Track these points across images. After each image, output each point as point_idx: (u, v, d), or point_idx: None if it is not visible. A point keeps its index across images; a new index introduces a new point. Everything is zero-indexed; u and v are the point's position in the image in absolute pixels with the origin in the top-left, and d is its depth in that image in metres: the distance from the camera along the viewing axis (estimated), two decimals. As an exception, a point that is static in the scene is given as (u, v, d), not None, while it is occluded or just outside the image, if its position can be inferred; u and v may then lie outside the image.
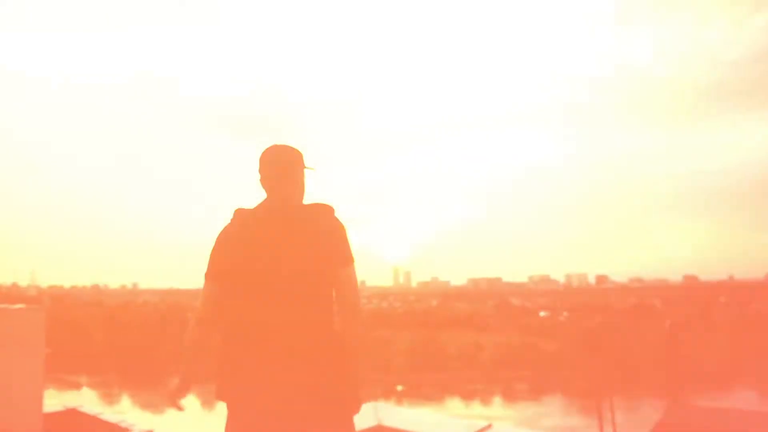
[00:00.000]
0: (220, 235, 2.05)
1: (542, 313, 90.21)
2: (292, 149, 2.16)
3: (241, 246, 1.97)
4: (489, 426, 4.69)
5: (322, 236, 1.93)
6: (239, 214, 2.07)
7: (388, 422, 4.80)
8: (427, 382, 59.64)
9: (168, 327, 71.39)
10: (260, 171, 2.11)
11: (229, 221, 2.07)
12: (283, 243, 1.92)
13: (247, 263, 1.93)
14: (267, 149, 2.14)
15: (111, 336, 67.57)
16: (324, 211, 2.03)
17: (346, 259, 1.96)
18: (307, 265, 1.88)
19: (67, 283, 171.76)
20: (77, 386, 56.66)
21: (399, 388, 57.04)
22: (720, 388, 51.24)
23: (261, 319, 1.87)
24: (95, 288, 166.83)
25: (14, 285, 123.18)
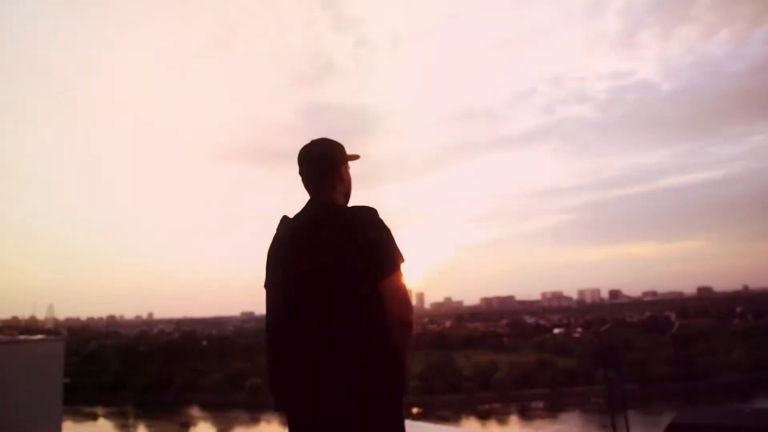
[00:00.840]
0: (270, 245, 2.00)
1: (556, 330, 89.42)
2: (327, 142, 2.08)
3: (278, 257, 1.93)
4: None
5: (355, 245, 1.80)
6: (281, 222, 2.02)
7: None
8: (443, 404, 59.23)
9: (183, 356, 71.54)
10: (299, 172, 2.06)
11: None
12: (313, 254, 1.82)
13: (281, 275, 1.89)
14: (303, 146, 2.09)
15: (127, 366, 67.69)
16: (363, 214, 1.90)
17: (385, 269, 1.82)
18: (337, 277, 1.78)
19: (83, 315, 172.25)
20: (94, 417, 56.77)
21: (415, 410, 56.69)
22: (740, 399, 50.53)
23: (291, 333, 1.80)
24: (111, 319, 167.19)
25: (32, 318, 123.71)
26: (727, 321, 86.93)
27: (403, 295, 1.85)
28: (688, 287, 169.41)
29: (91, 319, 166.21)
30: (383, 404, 1.75)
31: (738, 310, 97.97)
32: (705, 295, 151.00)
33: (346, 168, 2.08)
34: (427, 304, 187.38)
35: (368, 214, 1.91)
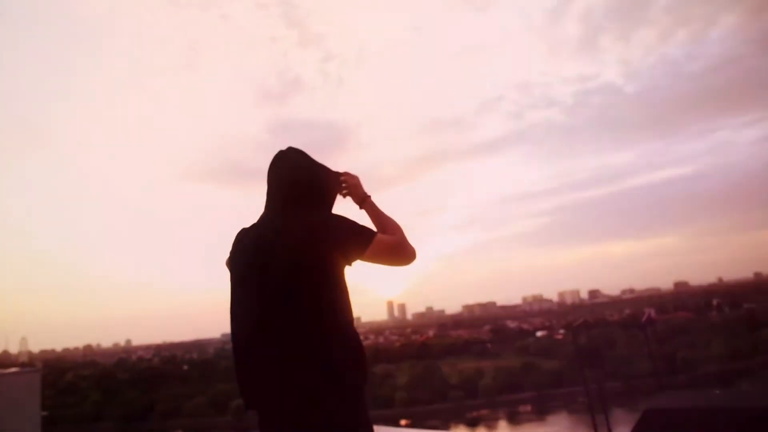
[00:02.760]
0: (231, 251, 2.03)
1: (539, 333, 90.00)
2: (282, 152, 2.08)
3: (239, 262, 1.95)
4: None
5: (321, 237, 1.82)
6: (240, 233, 2.04)
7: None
8: (431, 414, 59.07)
9: (164, 381, 70.34)
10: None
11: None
12: (275, 255, 1.83)
13: (243, 280, 1.91)
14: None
15: (106, 396, 66.23)
16: (321, 216, 1.95)
17: (360, 243, 1.86)
18: (299, 276, 1.79)
19: (58, 347, 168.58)
20: (74, 450, 55.44)
21: (403, 422, 56.43)
22: (721, 389, 51.19)
23: (256, 334, 1.81)
24: (88, 348, 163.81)
25: (5, 352, 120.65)
26: (704, 314, 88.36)
27: (391, 244, 1.94)
28: (665, 283, 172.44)
29: (66, 350, 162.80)
30: (347, 401, 1.76)
31: (714, 302, 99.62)
32: (682, 289, 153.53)
33: (300, 178, 2.05)
34: (409, 315, 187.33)
35: (326, 215, 1.97)
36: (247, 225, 2.05)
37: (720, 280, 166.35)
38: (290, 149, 2.10)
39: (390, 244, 1.94)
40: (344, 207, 2.19)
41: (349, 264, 1.88)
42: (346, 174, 2.20)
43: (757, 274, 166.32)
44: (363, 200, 2.18)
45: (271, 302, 1.80)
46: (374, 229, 1.99)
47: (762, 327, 69.52)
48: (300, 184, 2.01)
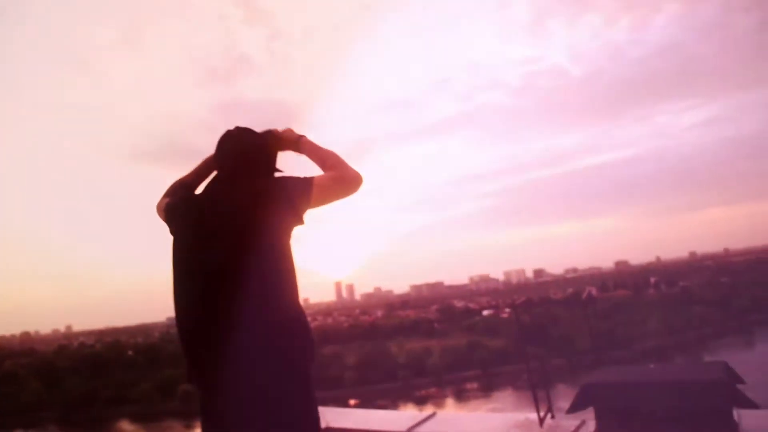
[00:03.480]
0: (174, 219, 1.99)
1: (485, 312, 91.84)
2: (229, 130, 2.07)
3: (176, 242, 1.91)
4: (433, 414, 5.02)
5: (265, 199, 1.81)
6: (180, 204, 2.01)
7: (335, 424, 5.07)
8: (380, 393, 59.77)
9: (108, 368, 68.59)
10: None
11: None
12: (209, 233, 1.80)
13: (179, 260, 1.88)
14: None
15: (47, 384, 63.99)
16: (265, 182, 1.94)
17: (303, 193, 1.85)
18: (242, 248, 1.76)
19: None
20: (13, 442, 53.64)
21: (352, 401, 56.89)
22: (659, 360, 53.65)
23: (200, 311, 1.77)
24: (25, 335, 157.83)
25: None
26: (642, 292, 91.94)
27: (332, 179, 1.93)
28: (607, 262, 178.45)
29: (2, 338, 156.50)
30: (295, 381, 1.74)
31: (652, 280, 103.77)
32: (622, 268, 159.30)
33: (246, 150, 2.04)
34: (357, 295, 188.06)
35: (265, 180, 1.95)
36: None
37: (658, 259, 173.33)
38: (237, 128, 2.08)
39: (331, 179, 1.93)
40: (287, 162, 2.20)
41: (301, 219, 1.86)
42: (275, 130, 2.18)
43: (692, 254, 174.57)
44: (297, 143, 2.14)
45: (217, 273, 1.75)
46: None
47: (696, 304, 73.13)
48: (247, 159, 2.00)
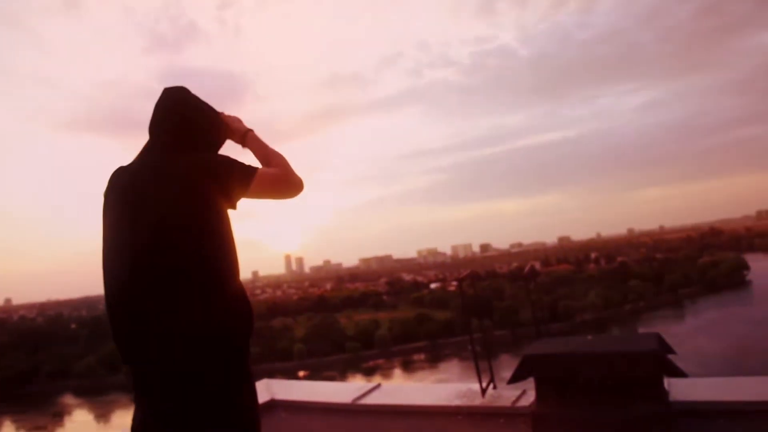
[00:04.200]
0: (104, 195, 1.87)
1: (433, 285, 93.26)
2: (173, 90, 1.95)
3: (113, 207, 1.80)
4: (378, 386, 5.10)
5: (200, 176, 1.71)
6: (112, 175, 1.86)
7: (280, 396, 5.09)
8: (329, 364, 60.24)
9: (50, 342, 66.59)
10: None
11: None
12: (140, 205, 1.71)
13: (116, 226, 1.77)
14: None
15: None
16: (201, 155, 1.82)
17: (243, 179, 1.76)
18: (177, 223, 1.67)
19: None
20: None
21: (301, 373, 57.18)
22: (597, 331, 55.74)
23: (132, 285, 1.67)
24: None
25: None
26: (583, 267, 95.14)
27: (275, 176, 1.85)
28: (550, 237, 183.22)
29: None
30: (232, 354, 1.68)
31: (593, 256, 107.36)
32: (565, 244, 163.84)
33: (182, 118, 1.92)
34: (306, 268, 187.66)
35: (206, 154, 1.84)
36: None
37: (598, 235, 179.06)
38: (177, 87, 1.96)
39: (275, 177, 1.85)
40: (230, 150, 2.08)
41: (233, 205, 1.78)
42: (223, 114, 2.07)
43: (630, 230, 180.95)
44: (244, 136, 2.04)
45: (147, 247, 1.66)
46: (258, 165, 1.89)
47: (632, 278, 76.17)
48: (183, 123, 1.89)
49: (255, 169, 1.82)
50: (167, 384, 1.64)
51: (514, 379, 3.49)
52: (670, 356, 3.26)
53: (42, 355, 63.04)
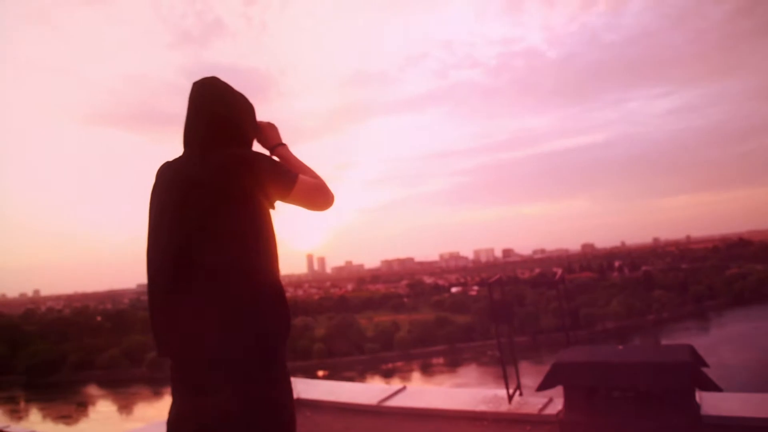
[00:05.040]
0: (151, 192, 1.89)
1: (454, 289, 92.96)
2: (207, 81, 1.94)
3: (157, 202, 1.82)
4: (403, 388, 5.10)
5: (241, 175, 1.71)
6: (161, 168, 1.88)
7: (305, 395, 5.13)
8: (348, 365, 60.34)
9: (76, 333, 67.78)
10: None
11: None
12: (183, 202, 1.73)
13: (159, 221, 1.79)
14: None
15: (13, 348, 62.94)
16: (242, 153, 1.79)
17: (285, 183, 1.77)
18: (219, 216, 1.69)
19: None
20: (-22, 405, 52.89)
21: (320, 372, 57.35)
22: (617, 343, 55.03)
23: (173, 280, 1.69)
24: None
25: None
26: (606, 274, 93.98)
27: (314, 186, 1.86)
28: (574, 244, 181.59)
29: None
30: (268, 351, 1.69)
31: (616, 264, 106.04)
32: (588, 251, 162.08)
33: (222, 112, 1.91)
34: (328, 269, 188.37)
35: (249, 152, 1.83)
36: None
37: (623, 243, 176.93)
38: (213, 78, 1.95)
39: (314, 187, 1.86)
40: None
41: (272, 206, 1.81)
42: (263, 122, 2.09)
43: (656, 240, 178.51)
44: (273, 148, 2.05)
45: (188, 243, 1.68)
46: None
47: (656, 288, 75.04)
48: (221, 116, 1.89)
49: (296, 174, 1.83)
50: (203, 379, 1.65)
51: (543, 386, 3.48)
52: (703, 369, 3.22)
53: (68, 345, 64.00)
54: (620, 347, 3.84)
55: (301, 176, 1.84)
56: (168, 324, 1.71)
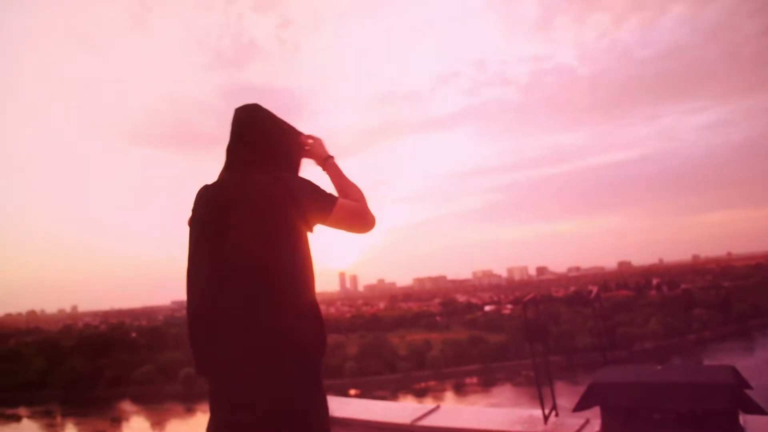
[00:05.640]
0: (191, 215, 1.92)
1: (487, 307, 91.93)
2: (249, 107, 1.99)
3: (199, 226, 1.85)
4: (437, 407, 5.05)
5: (284, 199, 1.74)
6: (201, 190, 1.92)
7: (338, 413, 5.10)
8: (379, 384, 59.99)
9: (112, 349, 68.99)
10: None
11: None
12: (224, 223, 1.76)
13: (202, 245, 1.81)
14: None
15: (51, 363, 64.50)
16: (284, 176, 1.83)
17: (325, 205, 1.81)
18: (258, 242, 1.72)
19: (0, 312, 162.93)
20: (17, 419, 54.12)
21: (352, 391, 57.12)
22: (659, 362, 53.62)
23: (213, 303, 1.72)
24: (31, 314, 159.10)
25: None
26: (644, 293, 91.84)
27: (354, 210, 1.89)
28: (610, 262, 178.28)
29: (9, 316, 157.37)
30: (305, 373, 1.72)
31: (654, 282, 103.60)
32: (625, 269, 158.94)
33: (268, 137, 1.97)
34: (360, 287, 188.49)
35: (283, 179, 1.82)
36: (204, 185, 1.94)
37: (661, 261, 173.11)
38: (255, 105, 2.01)
39: (353, 211, 1.89)
40: (308, 171, 2.13)
41: (310, 229, 1.83)
42: (309, 135, 2.15)
43: (695, 257, 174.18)
44: (325, 161, 2.10)
45: (228, 264, 1.72)
46: (336, 194, 1.94)
47: (697, 306, 72.97)
48: (264, 141, 1.95)
49: (335, 198, 1.87)
50: (243, 396, 1.68)
51: (580, 407, 3.40)
52: (747, 391, 3.11)
53: (104, 361, 65.12)
54: (659, 367, 3.74)
55: (341, 201, 1.87)
56: (208, 343, 1.74)
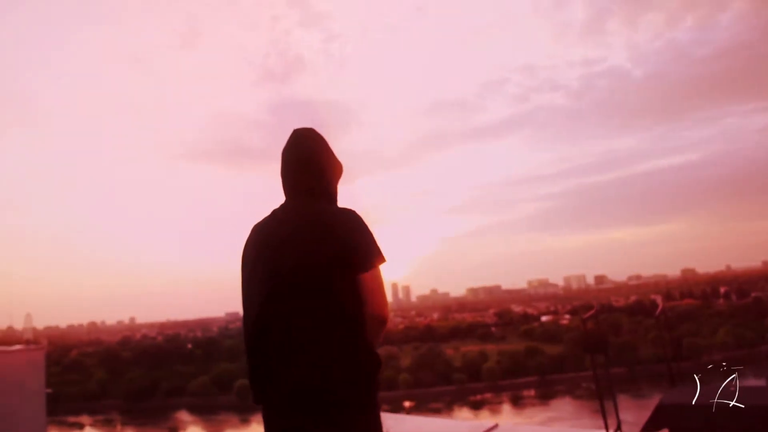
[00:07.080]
0: (244, 247, 1.96)
1: (544, 318, 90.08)
2: (306, 135, 2.00)
3: (254, 258, 1.87)
4: (495, 426, 4.87)
5: (338, 242, 1.76)
6: (253, 229, 1.95)
7: (394, 431, 5.00)
8: (434, 396, 59.49)
9: (168, 360, 71.00)
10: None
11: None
12: (292, 253, 1.77)
13: (257, 274, 1.83)
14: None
15: (111, 373, 66.98)
16: (345, 215, 1.85)
17: (367, 262, 1.79)
18: (316, 274, 1.73)
19: (63, 323, 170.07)
20: (79, 427, 56.23)
21: (407, 403, 56.84)
22: (726, 377, 51.33)
23: (269, 331, 1.76)
24: (92, 325, 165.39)
25: (9, 328, 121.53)
26: (711, 302, 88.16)
27: (381, 290, 1.86)
28: (672, 269, 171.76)
29: (71, 327, 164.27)
30: (361, 399, 1.72)
31: (722, 290, 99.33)
32: (689, 277, 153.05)
33: (325, 165, 2.00)
34: (413, 297, 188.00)
35: (351, 214, 1.86)
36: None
37: (728, 267, 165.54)
38: (309, 130, 2.02)
39: (383, 285, 1.88)
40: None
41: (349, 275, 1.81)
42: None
43: (766, 263, 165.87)
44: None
45: (288, 292, 1.75)
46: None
47: (768, 315, 69.50)
48: (327, 168, 1.98)
49: (383, 259, 1.84)
50: (300, 417, 1.69)
51: (647, 428, 3.19)
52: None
53: (161, 372, 67.07)
54: (731, 388, 3.48)
55: (379, 276, 1.85)
56: (265, 372, 1.79)
